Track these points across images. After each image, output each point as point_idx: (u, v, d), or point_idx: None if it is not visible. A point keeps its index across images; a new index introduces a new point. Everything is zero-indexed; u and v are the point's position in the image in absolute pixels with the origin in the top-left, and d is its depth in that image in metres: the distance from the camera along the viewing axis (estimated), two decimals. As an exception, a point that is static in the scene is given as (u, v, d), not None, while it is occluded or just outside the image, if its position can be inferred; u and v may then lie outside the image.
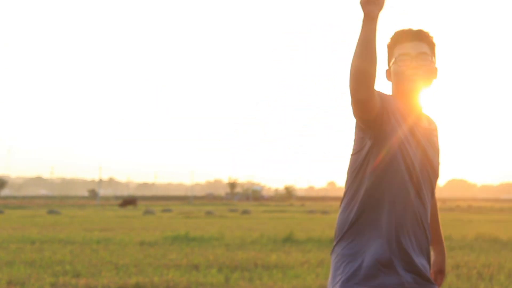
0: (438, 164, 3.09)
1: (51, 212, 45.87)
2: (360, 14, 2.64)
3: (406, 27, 3.14)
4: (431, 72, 3.04)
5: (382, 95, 2.85)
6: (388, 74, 3.14)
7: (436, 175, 3.06)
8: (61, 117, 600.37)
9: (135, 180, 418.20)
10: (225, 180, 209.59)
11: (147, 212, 46.85)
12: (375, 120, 2.78)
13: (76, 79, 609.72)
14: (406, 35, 3.08)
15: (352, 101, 2.69)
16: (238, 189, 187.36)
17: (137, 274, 10.38)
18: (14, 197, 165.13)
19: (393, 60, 3.08)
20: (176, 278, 9.85)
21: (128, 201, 72.74)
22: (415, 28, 3.11)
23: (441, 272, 3.35)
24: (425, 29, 3.12)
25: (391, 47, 3.11)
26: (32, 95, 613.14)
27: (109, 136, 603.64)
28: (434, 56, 3.10)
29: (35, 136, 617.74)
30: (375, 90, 2.68)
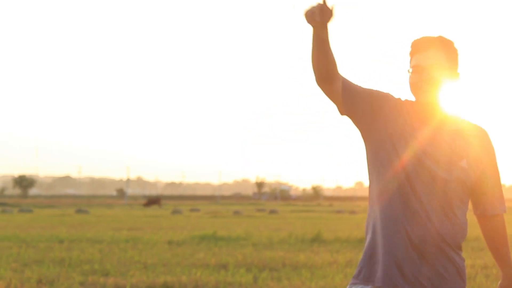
0: (456, 166, 3.01)
1: (79, 211, 46.26)
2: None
3: (429, 33, 3.05)
4: (441, 82, 2.98)
5: (384, 97, 2.98)
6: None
7: (453, 178, 3.02)
8: (89, 116, 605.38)
9: (163, 180, 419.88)
10: (253, 179, 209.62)
11: (175, 212, 47.16)
12: (353, 114, 2.96)
13: (104, 78, 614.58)
14: (422, 44, 3.02)
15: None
16: (265, 189, 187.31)
17: (165, 274, 10.42)
18: (43, 196, 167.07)
19: (409, 70, 3.04)
20: (204, 278, 9.86)
21: (153, 201, 73.09)
22: (435, 34, 3.03)
23: None
24: (445, 36, 3.03)
25: (410, 57, 3.08)
26: (60, 94, 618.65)
27: (137, 136, 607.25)
28: (454, 63, 3.03)
29: (63, 136, 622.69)
30: (335, 84, 2.92)
